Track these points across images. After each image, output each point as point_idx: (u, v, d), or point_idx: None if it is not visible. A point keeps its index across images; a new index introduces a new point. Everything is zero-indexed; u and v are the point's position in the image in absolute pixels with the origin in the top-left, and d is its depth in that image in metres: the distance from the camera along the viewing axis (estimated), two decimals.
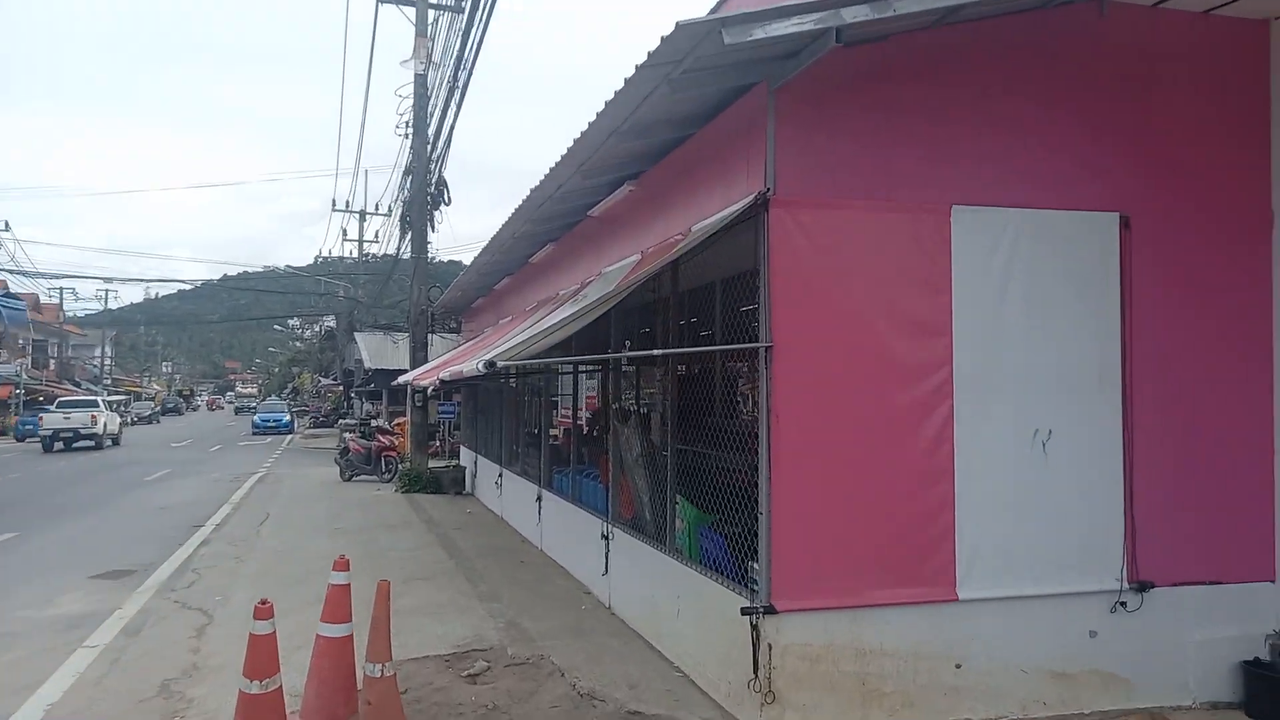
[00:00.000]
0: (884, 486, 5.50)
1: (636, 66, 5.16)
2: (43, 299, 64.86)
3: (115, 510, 16.37)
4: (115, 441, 37.37)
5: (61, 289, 66.76)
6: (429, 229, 18.34)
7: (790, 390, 5.38)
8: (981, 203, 5.74)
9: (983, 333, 5.68)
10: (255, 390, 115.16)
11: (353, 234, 46.21)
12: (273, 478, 22.41)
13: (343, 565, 5.63)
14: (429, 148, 17.03)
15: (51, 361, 66.73)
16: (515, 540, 12.23)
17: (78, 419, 34.17)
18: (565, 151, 6.99)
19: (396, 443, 20.91)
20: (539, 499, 11.61)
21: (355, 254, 46.48)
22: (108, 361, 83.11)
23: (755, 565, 5.58)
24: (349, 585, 5.55)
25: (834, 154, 5.59)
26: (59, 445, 33.54)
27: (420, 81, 18.57)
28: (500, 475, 14.75)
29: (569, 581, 9.49)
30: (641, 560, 7.57)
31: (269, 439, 42.74)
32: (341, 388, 58.41)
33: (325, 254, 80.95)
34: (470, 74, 14.39)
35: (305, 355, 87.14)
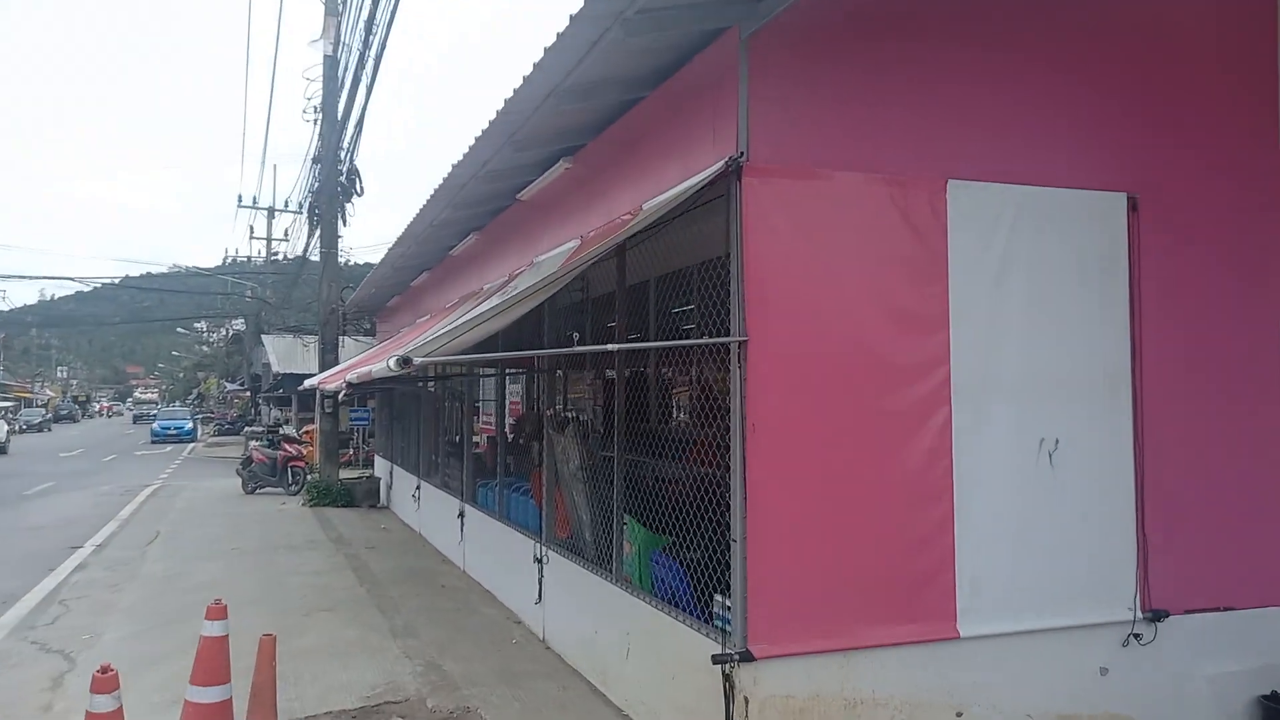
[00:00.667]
0: (876, 507, 4.69)
1: (584, 2, 4.25)
2: None
3: None
4: (2, 450, 36.07)
5: None
6: (340, 222, 17.02)
7: (768, 394, 4.51)
8: (980, 178, 4.98)
9: (982, 328, 4.92)
10: (156, 396, 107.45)
11: (261, 232, 44.01)
12: (169, 490, 20.71)
13: (218, 613, 4.56)
14: (339, 134, 15.76)
15: None
16: (435, 561, 11.14)
17: None
18: (493, 117, 6.02)
19: (305, 452, 19.47)
20: (461, 515, 10.55)
21: (263, 253, 44.32)
22: None
23: (723, 600, 4.71)
24: (226, 637, 4.50)
25: (815, 116, 4.77)
26: None
27: (330, 63, 17.26)
28: (418, 488, 13.61)
29: (497, 610, 8.48)
30: (582, 589, 6.63)
31: (169, 448, 40.29)
32: (249, 393, 55.86)
33: (233, 253, 77.78)
34: (382, 49, 13.21)
35: (211, 360, 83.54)
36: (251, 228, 48.69)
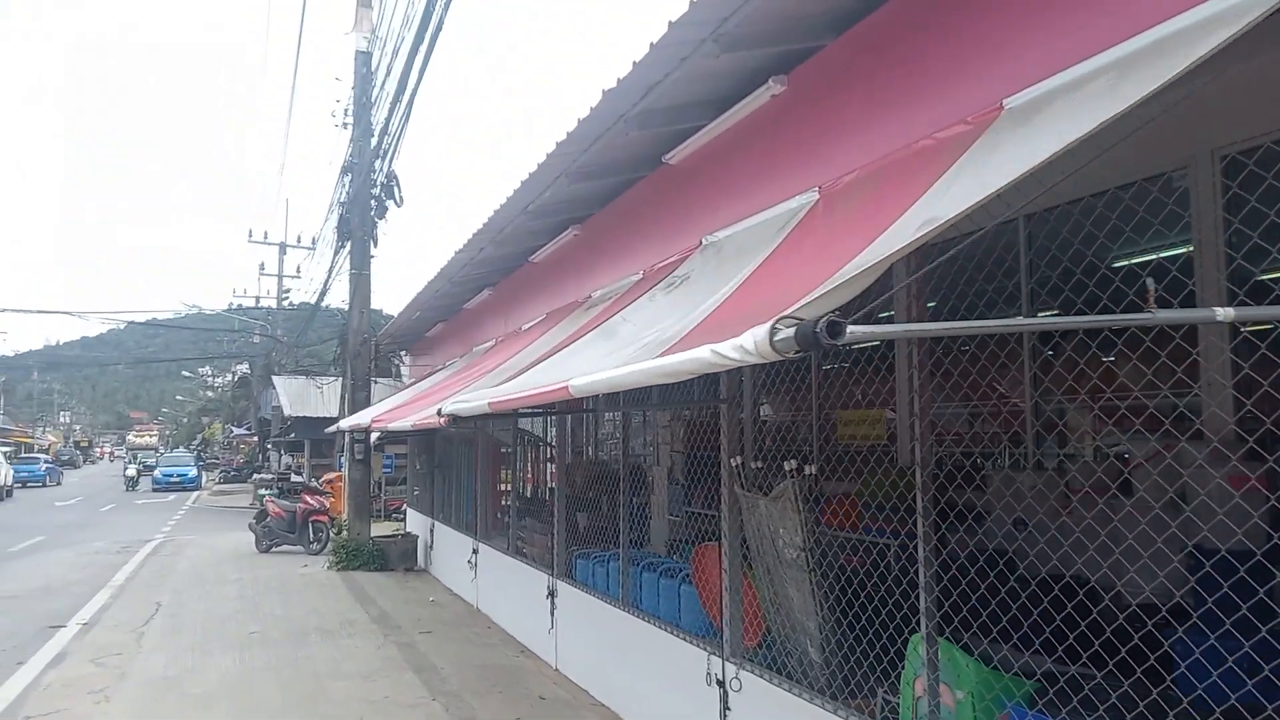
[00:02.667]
0: None
1: None
2: None
3: None
4: (8, 494, 35.35)
5: None
6: (372, 242, 14.78)
7: None
8: None
9: None
10: (154, 439, 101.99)
11: (271, 268, 41.99)
12: (171, 547, 18.23)
13: None
14: (381, 135, 13.53)
15: None
16: (512, 652, 8.68)
17: None
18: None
19: (328, 504, 17.01)
20: (552, 595, 8.12)
21: (273, 291, 42.19)
22: None
23: None
24: None
25: None
26: None
27: (362, 59, 15.15)
28: (475, 552, 11.17)
29: None
30: None
31: (172, 496, 37.81)
32: (256, 438, 53.35)
33: (241, 291, 75.87)
34: (438, 31, 11.00)
35: (217, 404, 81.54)
36: (262, 264, 46.50)
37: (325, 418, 31.21)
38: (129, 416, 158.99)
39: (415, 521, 15.92)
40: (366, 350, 14.82)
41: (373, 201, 14.77)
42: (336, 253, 16.58)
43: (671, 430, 9.92)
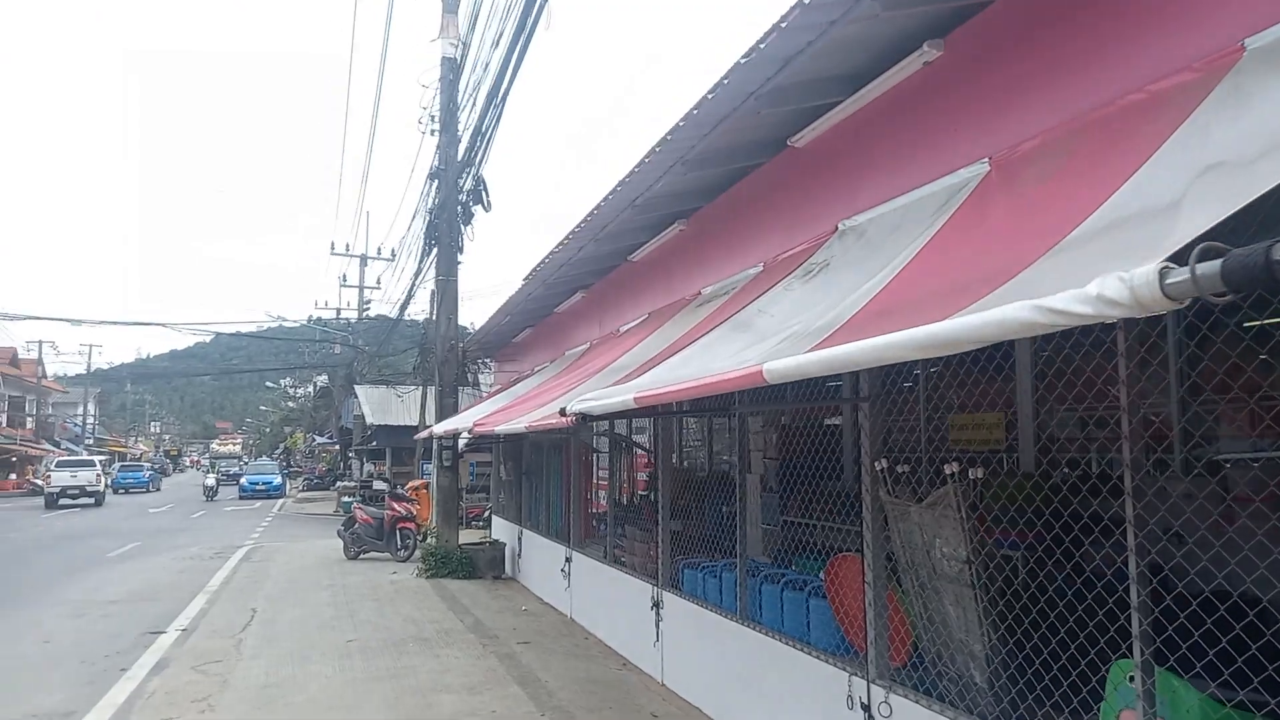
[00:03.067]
0: None
1: None
2: (21, 354, 61.24)
3: (48, 606, 12.37)
4: (98, 502, 36.84)
5: (40, 342, 63.05)
6: (461, 244, 14.66)
7: None
8: None
9: None
10: (238, 448, 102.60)
11: (353, 280, 42.70)
12: (262, 553, 18.42)
13: None
14: (473, 137, 13.38)
15: (29, 419, 62.80)
16: (614, 665, 8.35)
17: (84, 476, 36.41)
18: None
19: (415, 511, 16.96)
20: (657, 606, 7.78)
21: (353, 303, 42.87)
22: (90, 420, 78.93)
23: None
24: None
25: None
26: (65, 501, 35.30)
27: (448, 65, 15.10)
28: (568, 560, 10.89)
29: None
30: None
31: (258, 503, 38.63)
32: (338, 447, 54.31)
33: (322, 304, 78.08)
34: (528, 40, 10.73)
35: (298, 414, 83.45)
36: (344, 276, 47.39)
37: (406, 426, 31.54)
38: (215, 426, 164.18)
39: (501, 529, 15.76)
40: (454, 357, 14.70)
41: (459, 208, 14.69)
42: (422, 259, 16.56)
43: (765, 436, 9.52)
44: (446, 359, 14.68)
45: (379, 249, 42.30)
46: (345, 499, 33.59)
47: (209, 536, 22.54)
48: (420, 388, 29.97)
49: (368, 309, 43.11)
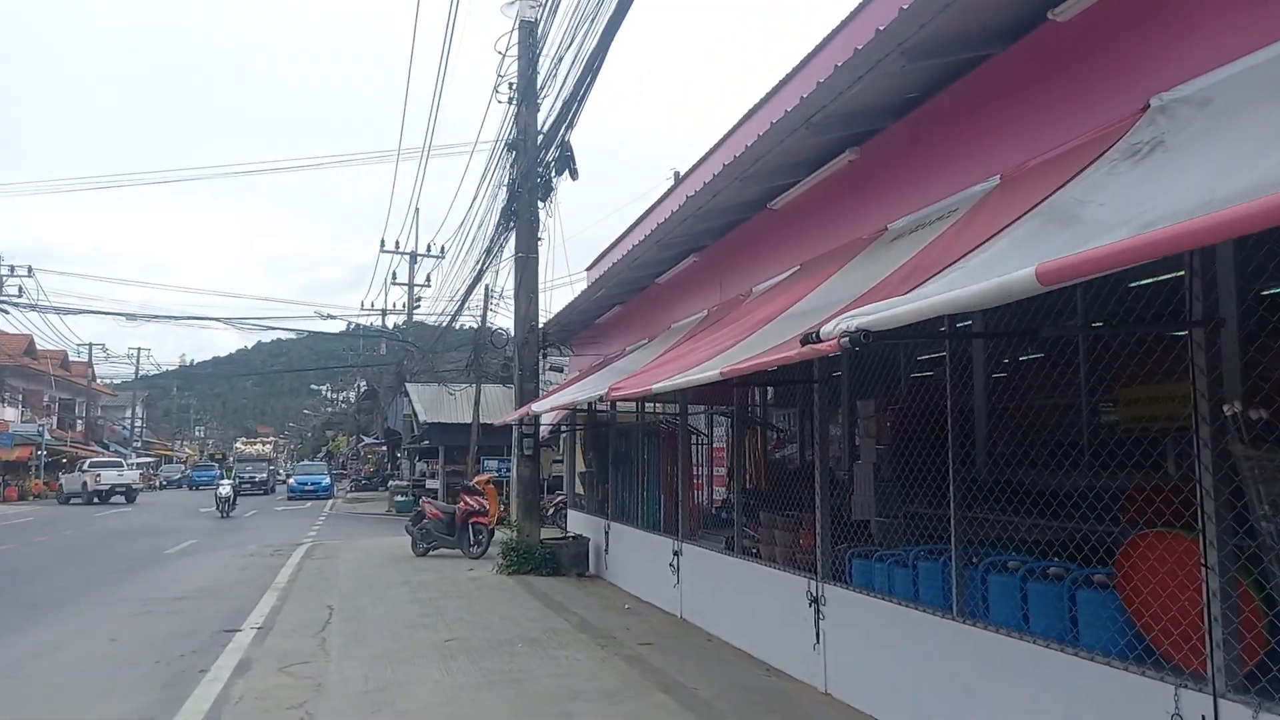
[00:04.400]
0: None
1: None
2: (72, 357, 61.63)
3: (112, 603, 11.53)
4: (130, 500, 38.21)
5: (90, 345, 63.33)
6: (542, 217, 13.67)
7: None
8: None
9: None
10: (269, 449, 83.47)
11: (402, 278, 42.12)
12: (323, 550, 17.57)
13: None
14: (568, 104, 12.33)
15: (79, 422, 63.16)
16: (758, 670, 7.25)
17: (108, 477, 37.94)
18: None
19: (487, 506, 15.97)
20: (816, 602, 6.67)
21: (403, 303, 42.24)
22: (138, 424, 79.50)
23: None
24: None
25: None
26: (96, 500, 36.93)
27: (527, 30, 14.14)
28: (677, 554, 9.82)
29: None
30: None
31: (308, 504, 38.04)
32: (385, 448, 53.75)
33: (369, 304, 78.02)
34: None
35: (340, 418, 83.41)
36: (394, 274, 46.91)
37: (459, 424, 30.74)
38: (257, 431, 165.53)
39: (581, 523, 14.71)
40: (534, 338, 13.70)
41: (538, 180, 13.71)
42: (493, 240, 15.60)
43: (877, 422, 8.43)
44: (527, 341, 13.69)
45: (429, 246, 41.77)
46: (398, 498, 32.93)
47: (265, 536, 21.78)
48: (475, 385, 29.20)
49: (418, 306, 42.53)
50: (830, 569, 6.70)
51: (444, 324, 31.99)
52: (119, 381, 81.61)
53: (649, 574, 10.84)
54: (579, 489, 16.74)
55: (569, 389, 10.92)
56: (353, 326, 50.07)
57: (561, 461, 21.33)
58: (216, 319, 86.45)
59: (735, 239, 8.69)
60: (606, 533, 13.03)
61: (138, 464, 56.22)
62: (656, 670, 7.03)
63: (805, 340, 3.39)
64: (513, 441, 14.16)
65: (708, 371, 4.66)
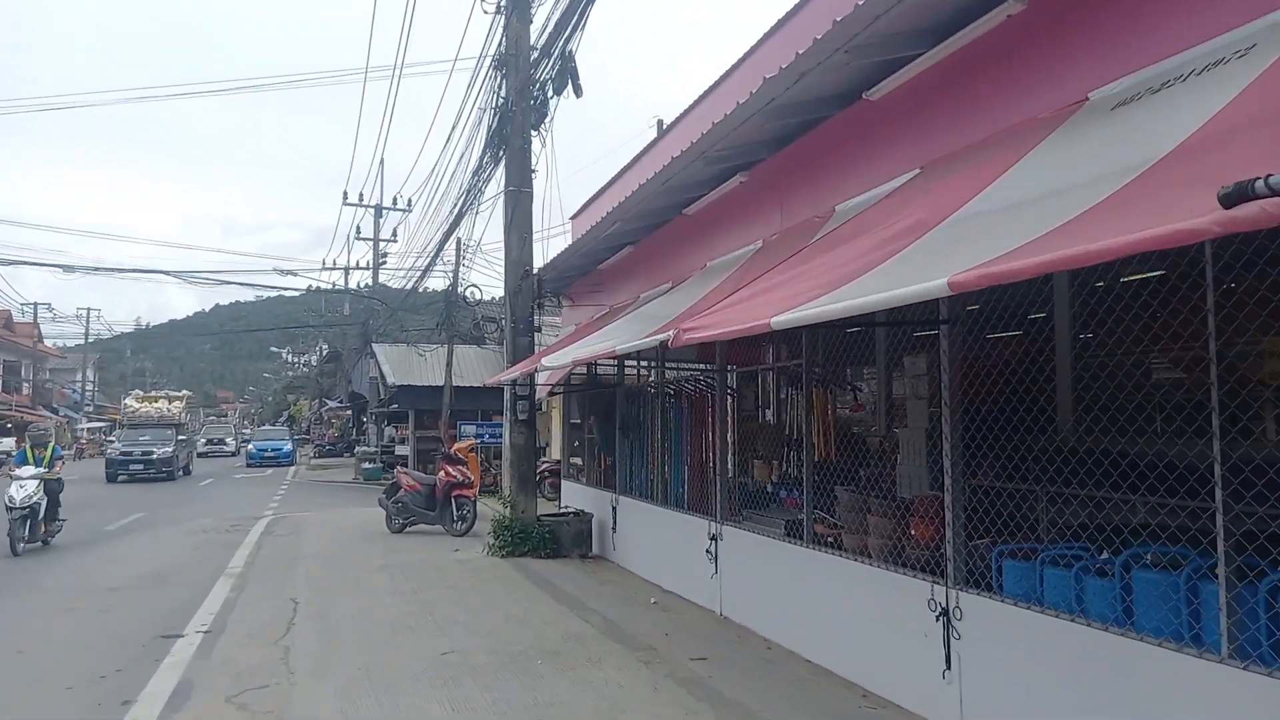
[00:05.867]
0: None
1: None
2: (16, 317, 58.56)
3: (28, 597, 9.63)
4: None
5: (36, 305, 60.21)
6: (533, 145, 11.81)
7: None
8: None
9: None
10: (180, 405, 64.32)
11: (367, 232, 39.91)
12: (285, 525, 15.73)
13: None
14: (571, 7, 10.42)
15: (25, 385, 60.13)
16: (851, 695, 5.65)
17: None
18: None
19: (470, 476, 14.22)
20: (945, 614, 5.05)
21: (365, 261, 40.02)
22: (89, 387, 76.29)
23: None
24: None
25: None
26: None
27: None
28: (715, 540, 8.19)
29: None
30: None
31: (269, 471, 35.96)
32: (350, 412, 51.48)
33: (330, 263, 74.99)
34: None
35: (302, 381, 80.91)
36: (359, 228, 44.31)
37: (430, 386, 28.84)
38: (216, 396, 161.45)
39: (583, 497, 13.03)
40: (528, 285, 11.88)
41: (531, 101, 11.83)
42: (478, 171, 13.69)
43: (929, 379, 6.86)
44: (520, 288, 11.87)
45: (394, 199, 39.40)
46: (366, 465, 31.04)
47: (221, 508, 19.84)
48: (447, 345, 27.33)
49: (384, 263, 40.31)
50: (962, 572, 5.08)
51: (412, 282, 29.95)
52: (72, 344, 77.99)
53: (675, 559, 9.21)
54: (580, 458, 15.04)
55: (590, 338, 9.16)
56: (314, 287, 47.77)
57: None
58: (167, 272, 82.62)
59: (810, 144, 6.93)
60: (614, 508, 11.36)
61: (87, 429, 53.50)
62: (729, 703, 5.38)
63: (1239, 196, 1.71)
64: (505, 404, 12.35)
65: (906, 287, 2.92)
